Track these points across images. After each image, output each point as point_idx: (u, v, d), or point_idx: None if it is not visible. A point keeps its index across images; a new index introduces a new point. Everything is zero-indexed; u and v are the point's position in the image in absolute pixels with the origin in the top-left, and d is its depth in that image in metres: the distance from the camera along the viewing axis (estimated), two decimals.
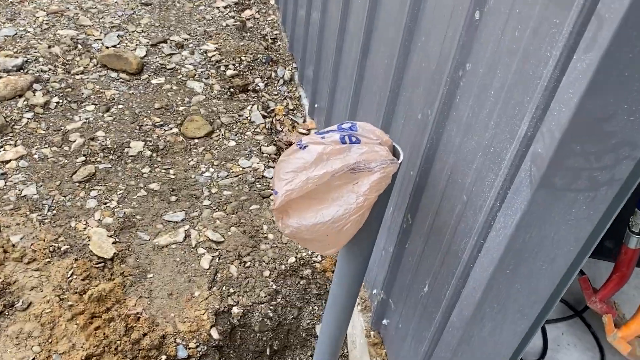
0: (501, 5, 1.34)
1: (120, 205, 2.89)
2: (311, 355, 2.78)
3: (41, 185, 2.95)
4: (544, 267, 1.36)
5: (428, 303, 1.90)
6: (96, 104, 3.51)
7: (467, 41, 1.51)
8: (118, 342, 2.26)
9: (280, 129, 3.47)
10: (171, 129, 3.38)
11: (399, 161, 1.45)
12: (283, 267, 2.70)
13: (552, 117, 1.13)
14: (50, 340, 2.27)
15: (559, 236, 1.29)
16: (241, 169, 3.17)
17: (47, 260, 2.56)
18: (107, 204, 2.88)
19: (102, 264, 2.57)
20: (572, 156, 1.13)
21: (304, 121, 3.55)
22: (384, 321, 2.35)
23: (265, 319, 2.59)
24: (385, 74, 2.17)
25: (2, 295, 2.40)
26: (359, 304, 2.55)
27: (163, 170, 3.13)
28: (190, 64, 3.89)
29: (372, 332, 2.43)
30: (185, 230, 2.79)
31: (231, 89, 3.71)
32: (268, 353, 2.68)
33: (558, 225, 1.27)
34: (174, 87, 3.70)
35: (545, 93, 1.17)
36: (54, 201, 2.87)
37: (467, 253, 1.57)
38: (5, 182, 2.94)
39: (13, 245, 2.61)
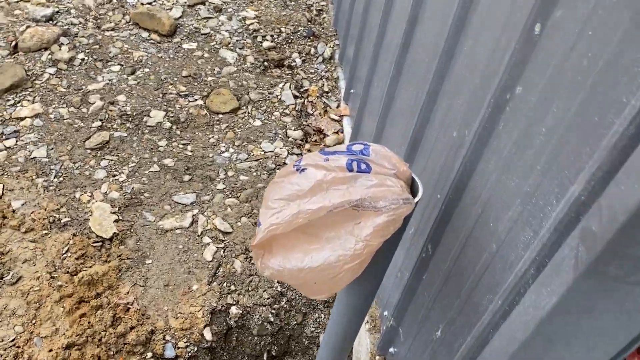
0: (570, 22, 1.03)
1: (129, 180, 2.71)
2: None
3: (52, 148, 2.80)
4: (579, 354, 1.09)
5: (439, 350, 1.65)
6: (122, 65, 3.32)
7: (520, 58, 1.20)
8: (103, 332, 2.11)
9: (311, 112, 3.21)
10: (196, 100, 3.17)
11: (416, 200, 1.19)
12: None
13: (617, 190, 0.84)
14: (34, 322, 2.14)
15: (604, 327, 1.01)
16: (262, 152, 2.93)
17: (45, 231, 2.42)
18: (116, 177, 2.72)
19: (100, 244, 2.42)
20: (637, 244, 0.84)
21: (338, 106, 3.27)
22: (392, 349, 2.11)
23: (266, 323, 2.40)
24: (425, 75, 1.87)
25: None
26: (367, 322, 2.32)
27: (180, 146, 2.94)
28: (225, 31, 3.64)
29: (377, 357, 2.20)
30: (193, 215, 2.60)
31: (265, 63, 3.45)
32: (265, 358, 2.50)
33: (604, 316, 0.99)
34: (205, 55, 3.47)
35: (613, 152, 0.87)
36: (63, 167, 2.72)
37: (488, 314, 1.30)
38: (17, 141, 2.81)
39: (13, 212, 2.48)
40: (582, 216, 0.96)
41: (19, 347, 2.07)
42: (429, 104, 1.83)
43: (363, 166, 1.19)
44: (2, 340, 2.08)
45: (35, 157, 2.74)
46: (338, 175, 1.15)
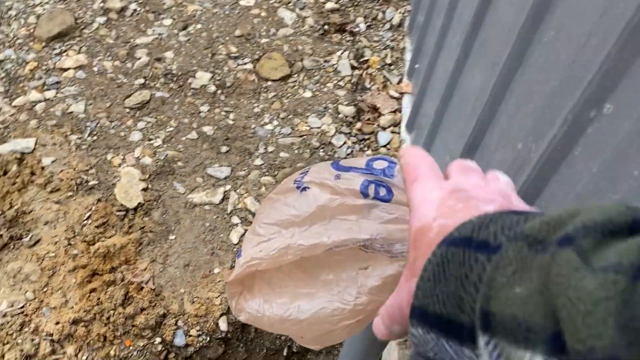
0: None
1: (164, 145, 2.55)
2: None
3: (91, 104, 2.68)
4: None
5: None
6: (174, 19, 3.13)
7: (617, 65, 0.87)
8: (112, 311, 1.98)
9: (368, 87, 2.90)
10: (245, 63, 2.94)
11: None
12: None
13: None
14: (45, 290, 2.04)
15: None
16: (308, 128, 2.68)
17: (70, 193, 2.31)
18: (152, 141, 2.56)
19: (124, 213, 2.28)
20: None
21: (400, 82, 2.94)
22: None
23: None
24: (493, 64, 1.53)
25: (14, 224, 2.20)
26: None
27: (223, 113, 2.73)
28: None
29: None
30: (225, 191, 2.41)
31: (325, 26, 3.15)
32: (285, 354, 2.31)
33: None
34: (263, 14, 3.20)
35: None
36: (98, 125, 2.59)
37: None
38: (57, 93, 2.70)
39: (42, 168, 2.39)
40: None
41: (27, 315, 1.98)
42: (494, 99, 1.50)
43: (382, 192, 0.90)
44: (12, 306, 2.00)
45: (72, 112, 2.63)
46: (347, 201, 0.87)
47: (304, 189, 0.89)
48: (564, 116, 1.00)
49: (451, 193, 0.48)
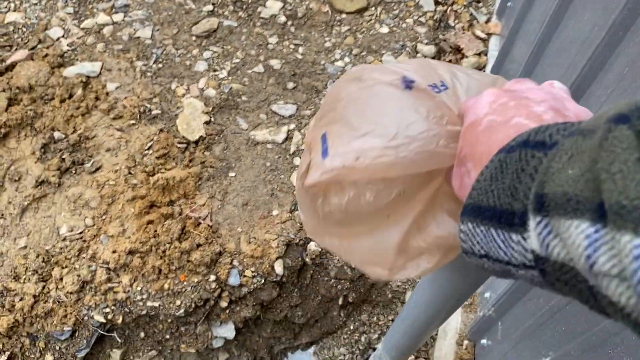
0: None
1: (229, 78, 2.43)
2: (392, 320, 2.28)
3: (158, 29, 2.58)
4: None
5: None
6: None
7: None
8: (168, 245, 1.94)
9: (452, 25, 2.63)
10: None
11: None
12: None
13: None
14: (104, 218, 2.02)
15: None
16: None
17: (132, 121, 2.26)
18: (217, 73, 2.44)
19: (185, 145, 2.21)
20: None
21: (488, 21, 2.65)
22: (484, 341, 1.72)
23: (346, 267, 2.10)
24: (609, 6, 1.27)
25: (77, 149, 2.17)
26: None
27: (292, 46, 2.56)
28: None
29: (465, 342, 1.82)
30: (289, 130, 2.28)
31: None
32: (340, 302, 2.23)
33: None
34: None
35: None
36: (164, 52, 2.50)
37: None
38: (125, 17, 2.62)
39: (107, 94, 2.34)
40: None
41: (85, 241, 1.98)
42: (608, 45, 1.25)
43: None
44: (72, 231, 2.00)
45: (139, 37, 2.54)
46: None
47: (408, 86, 0.67)
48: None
49: (504, 92, 0.49)
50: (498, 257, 0.40)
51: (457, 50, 2.51)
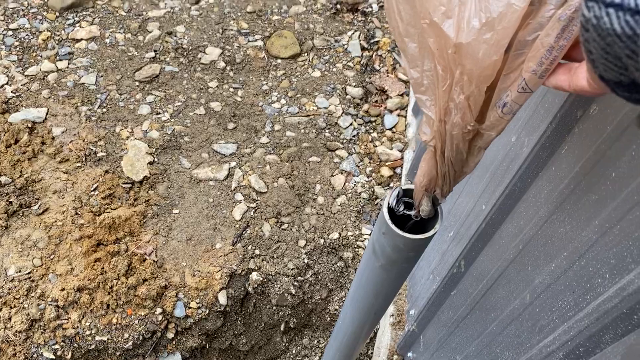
0: None
1: (172, 120, 2.58)
2: None
3: (102, 76, 2.71)
4: None
5: None
6: None
7: None
8: (115, 281, 2.04)
9: (378, 69, 2.89)
10: (256, 40, 2.94)
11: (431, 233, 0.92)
12: (322, 241, 2.29)
13: None
14: (52, 257, 2.11)
15: None
16: (315, 108, 2.69)
17: (79, 164, 2.36)
18: (160, 115, 2.59)
19: (130, 185, 2.33)
20: None
21: None
22: (410, 354, 1.91)
23: (286, 294, 2.25)
24: None
25: (24, 192, 2.25)
26: (393, 315, 2.12)
27: (232, 89, 2.75)
28: None
29: (395, 357, 2.01)
30: (230, 168, 2.44)
31: (338, 5, 3.13)
32: (282, 328, 2.38)
33: None
34: None
35: None
36: (108, 97, 2.63)
37: None
38: (69, 64, 2.74)
39: (53, 138, 2.44)
40: (631, 320, 0.68)
41: (33, 280, 2.05)
42: None
43: None
44: (20, 271, 2.07)
45: (84, 83, 2.67)
46: None
47: None
48: (555, 112, 1.01)
49: None
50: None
51: (382, 91, 2.77)
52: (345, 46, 2.95)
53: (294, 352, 2.46)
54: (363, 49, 2.94)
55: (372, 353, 2.37)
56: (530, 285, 1.04)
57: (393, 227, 0.91)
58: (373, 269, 1.09)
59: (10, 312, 1.98)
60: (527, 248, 1.09)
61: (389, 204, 0.93)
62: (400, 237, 0.92)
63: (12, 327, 1.96)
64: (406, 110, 2.71)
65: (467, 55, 0.62)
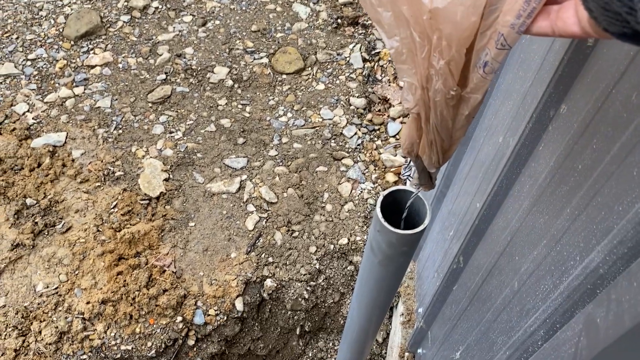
0: None
1: (185, 138, 2.71)
2: None
3: (116, 99, 2.85)
4: None
5: None
6: (194, 16, 3.27)
7: (570, 70, 0.97)
8: (137, 292, 2.16)
9: (380, 79, 3.00)
10: (261, 58, 3.07)
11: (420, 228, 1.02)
12: (332, 246, 2.39)
13: (628, 285, 0.65)
14: (76, 273, 2.23)
15: None
16: (321, 120, 2.80)
17: (98, 183, 2.49)
18: (173, 134, 2.72)
19: (147, 202, 2.45)
20: None
21: None
22: (420, 350, 1.99)
23: (300, 299, 2.35)
24: None
25: (48, 212, 2.38)
26: (403, 314, 2.20)
27: (240, 106, 2.87)
28: None
29: (406, 354, 2.09)
30: (241, 181, 2.56)
31: (339, 20, 3.25)
32: (298, 332, 2.47)
33: None
34: (278, 9, 3.32)
35: None
36: (123, 119, 2.76)
37: (500, 356, 1.15)
38: (85, 89, 2.88)
39: (72, 161, 2.57)
40: (594, 295, 0.77)
41: (60, 295, 2.17)
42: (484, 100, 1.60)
43: None
44: (47, 287, 2.19)
45: (99, 107, 2.81)
46: None
47: None
48: (531, 113, 1.11)
49: None
50: None
51: (385, 100, 2.87)
52: (348, 59, 3.06)
53: (310, 355, 2.55)
54: (365, 60, 3.05)
55: (385, 353, 2.45)
56: (518, 274, 1.13)
57: (386, 224, 1.01)
58: (372, 265, 1.19)
59: (40, 326, 2.10)
60: (514, 239, 1.18)
61: (381, 203, 1.03)
62: (392, 233, 1.02)
63: (42, 339, 2.08)
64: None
65: (445, 19, 0.61)
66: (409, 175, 0.98)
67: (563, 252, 0.93)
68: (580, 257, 0.87)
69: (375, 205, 2.51)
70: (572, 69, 0.96)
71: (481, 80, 0.68)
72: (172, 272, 2.25)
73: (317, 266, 2.37)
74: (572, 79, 0.97)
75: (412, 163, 0.94)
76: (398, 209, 1.09)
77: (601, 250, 0.77)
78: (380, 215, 1.02)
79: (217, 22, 3.25)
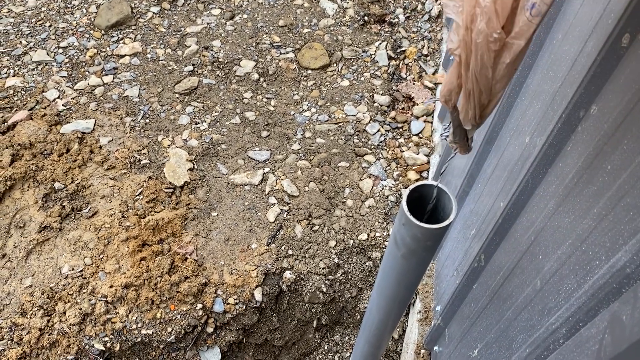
0: None
1: (210, 129, 2.75)
2: None
3: (144, 89, 2.90)
4: None
5: None
6: (222, 9, 3.31)
7: (602, 71, 0.98)
8: (159, 278, 2.20)
9: (404, 77, 3.00)
10: (287, 53, 3.09)
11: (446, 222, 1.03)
12: (352, 241, 2.41)
13: None
14: (101, 256, 2.28)
15: None
16: (344, 116, 2.82)
17: (124, 171, 2.54)
18: (198, 125, 2.76)
19: (172, 190, 2.49)
20: None
21: (435, 72, 3.03)
22: (436, 348, 2.00)
23: (318, 292, 2.37)
24: None
25: (75, 197, 2.44)
26: (420, 311, 2.21)
27: (265, 99, 2.90)
28: None
29: (422, 351, 2.10)
30: (264, 174, 2.59)
31: (365, 17, 3.26)
32: (315, 325, 2.49)
33: None
34: (305, 5, 3.34)
35: None
36: (151, 108, 2.81)
37: (520, 354, 1.16)
38: (114, 78, 2.93)
39: (100, 147, 2.63)
40: (620, 294, 0.77)
41: (85, 278, 2.22)
42: (510, 94, 1.60)
43: None
44: (73, 269, 2.25)
45: (127, 96, 2.86)
46: None
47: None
48: (560, 113, 1.11)
49: None
50: None
51: (409, 98, 2.88)
52: (373, 56, 3.07)
53: (325, 348, 2.57)
54: (390, 58, 3.06)
55: (401, 350, 2.46)
56: (541, 273, 1.13)
57: (412, 218, 1.02)
58: (395, 258, 1.20)
59: (65, 307, 2.16)
60: (538, 239, 1.18)
61: (407, 197, 1.04)
62: (418, 227, 1.03)
63: (66, 320, 2.13)
64: (432, 117, 2.81)
65: None
66: (447, 136, 0.96)
67: (588, 252, 0.94)
68: (606, 257, 0.87)
69: (396, 202, 2.53)
70: (604, 69, 0.96)
71: (526, 24, 0.66)
72: (194, 260, 2.29)
73: (336, 260, 2.39)
74: (604, 80, 0.97)
75: (450, 124, 0.92)
76: (423, 206, 1.11)
77: (628, 250, 0.77)
78: (406, 208, 1.03)
79: (245, 15, 3.28)
